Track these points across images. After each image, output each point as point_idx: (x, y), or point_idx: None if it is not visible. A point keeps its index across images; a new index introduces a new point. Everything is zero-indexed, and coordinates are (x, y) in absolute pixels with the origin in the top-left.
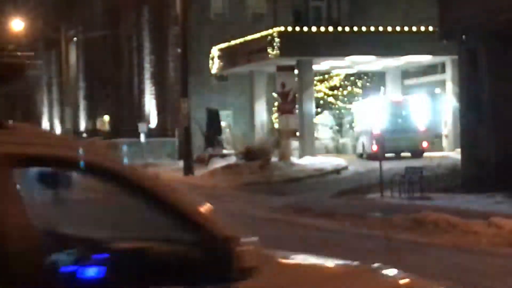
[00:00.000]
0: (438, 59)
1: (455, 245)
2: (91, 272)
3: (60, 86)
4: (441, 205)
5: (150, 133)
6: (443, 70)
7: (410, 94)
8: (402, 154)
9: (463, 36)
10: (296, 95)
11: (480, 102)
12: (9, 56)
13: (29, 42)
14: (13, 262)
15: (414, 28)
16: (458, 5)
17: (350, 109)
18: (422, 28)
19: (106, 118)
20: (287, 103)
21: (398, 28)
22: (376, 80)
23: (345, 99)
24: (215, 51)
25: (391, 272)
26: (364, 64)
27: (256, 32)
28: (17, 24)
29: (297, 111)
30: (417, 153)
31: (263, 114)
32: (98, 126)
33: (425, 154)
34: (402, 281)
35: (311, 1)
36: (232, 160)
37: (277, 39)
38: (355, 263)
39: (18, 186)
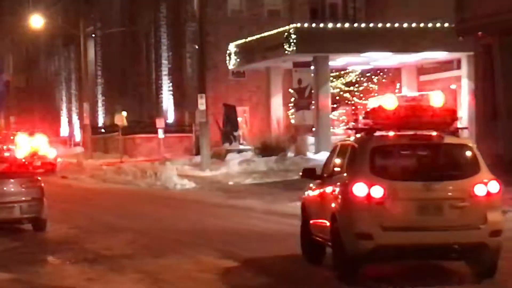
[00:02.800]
0: (454, 55)
1: None
2: None
3: (78, 82)
4: None
5: (167, 129)
6: (458, 66)
7: (425, 90)
8: None
9: (479, 33)
10: (312, 91)
11: (495, 98)
12: None
13: (48, 38)
14: None
15: (430, 25)
16: (475, 3)
17: (366, 105)
18: (438, 25)
19: (124, 113)
20: (303, 99)
21: (414, 25)
22: (392, 76)
23: (361, 95)
24: (232, 47)
25: None
26: (380, 60)
27: (272, 29)
28: (36, 21)
29: (313, 107)
30: None
31: (279, 110)
32: (116, 122)
33: None
34: None
35: None
36: (249, 155)
37: (293, 36)
38: None
39: None
